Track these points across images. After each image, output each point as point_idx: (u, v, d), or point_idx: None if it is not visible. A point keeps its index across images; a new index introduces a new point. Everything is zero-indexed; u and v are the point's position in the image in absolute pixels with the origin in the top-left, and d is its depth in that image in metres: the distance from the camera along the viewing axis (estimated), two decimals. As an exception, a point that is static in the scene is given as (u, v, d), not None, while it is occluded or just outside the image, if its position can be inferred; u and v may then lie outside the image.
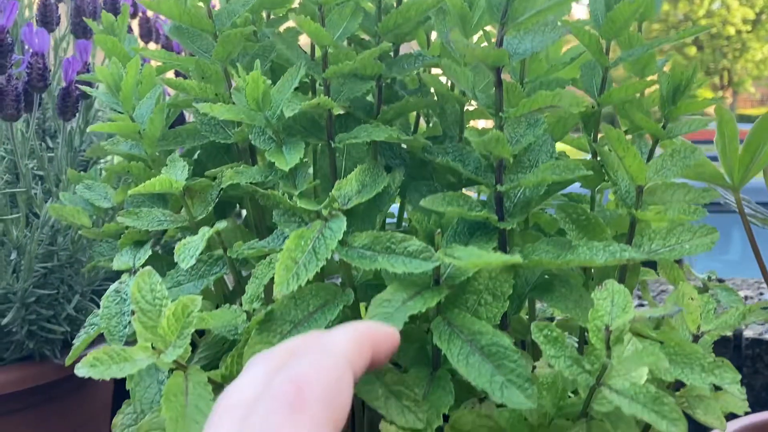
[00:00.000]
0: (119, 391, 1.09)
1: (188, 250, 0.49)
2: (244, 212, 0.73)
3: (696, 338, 0.51)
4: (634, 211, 0.49)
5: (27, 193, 0.78)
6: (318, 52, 0.57)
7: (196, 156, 0.68)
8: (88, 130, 0.60)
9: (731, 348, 0.93)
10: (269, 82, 0.49)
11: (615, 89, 0.53)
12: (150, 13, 0.96)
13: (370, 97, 0.61)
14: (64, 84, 0.77)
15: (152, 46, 0.97)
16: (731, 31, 14.24)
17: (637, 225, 0.52)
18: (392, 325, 0.37)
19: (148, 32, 0.95)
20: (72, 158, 0.86)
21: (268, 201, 0.49)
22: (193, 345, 0.64)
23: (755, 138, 0.57)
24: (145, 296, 0.46)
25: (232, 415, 0.30)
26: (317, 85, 0.62)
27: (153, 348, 0.44)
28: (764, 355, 0.91)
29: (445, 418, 0.45)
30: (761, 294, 1.12)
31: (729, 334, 0.93)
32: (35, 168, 0.85)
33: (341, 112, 0.60)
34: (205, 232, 0.50)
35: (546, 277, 0.51)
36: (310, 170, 0.60)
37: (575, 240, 0.48)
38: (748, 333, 0.93)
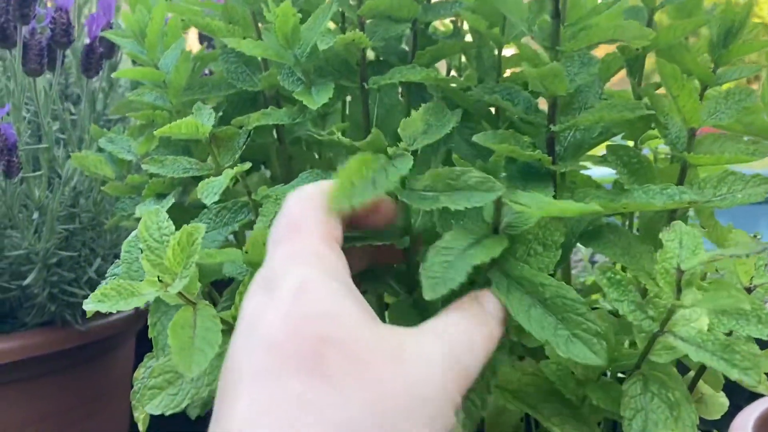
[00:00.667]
0: (141, 358, 1.08)
1: (212, 188, 0.47)
2: (269, 173, 0.71)
3: (748, 292, 0.49)
4: (686, 154, 0.46)
5: (49, 151, 0.77)
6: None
7: (221, 111, 0.67)
8: (113, 75, 0.59)
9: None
10: (300, 16, 0.47)
11: (663, 30, 0.50)
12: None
13: (403, 46, 0.58)
14: (87, 40, 0.75)
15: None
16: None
17: (687, 174, 0.49)
18: (455, 276, 0.35)
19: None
20: (95, 120, 0.85)
21: (310, 140, 0.47)
22: (214, 303, 0.63)
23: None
24: (153, 234, 0.45)
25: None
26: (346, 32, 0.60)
27: (160, 281, 0.43)
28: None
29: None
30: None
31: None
32: (58, 131, 0.84)
33: (373, 59, 0.58)
34: (229, 172, 0.49)
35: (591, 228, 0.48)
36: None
37: (627, 185, 0.45)
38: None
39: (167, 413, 0.49)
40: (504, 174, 0.43)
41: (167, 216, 0.44)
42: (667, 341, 0.36)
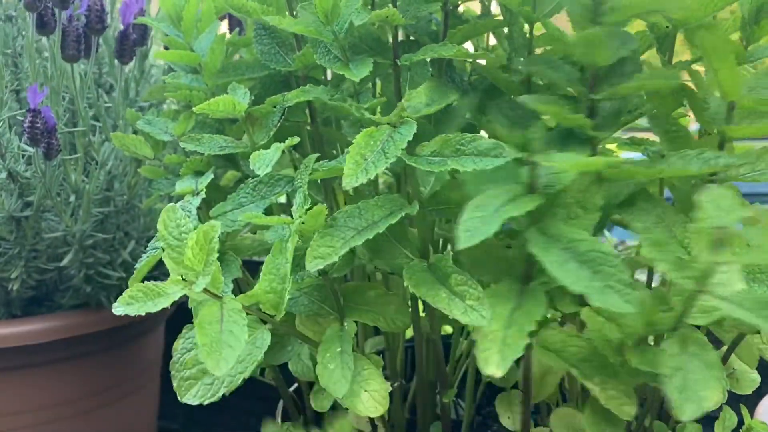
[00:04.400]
0: (169, 346, 1.10)
1: (264, 159, 0.48)
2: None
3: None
4: (726, 127, 0.47)
5: (85, 135, 0.79)
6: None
7: (254, 93, 0.68)
8: (153, 56, 0.60)
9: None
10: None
11: (694, 6, 0.51)
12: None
13: (434, 28, 0.59)
14: (122, 27, 0.77)
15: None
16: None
17: (728, 149, 0.50)
18: (489, 228, 0.36)
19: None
20: (128, 107, 0.87)
21: (337, 113, 0.49)
22: (247, 283, 0.64)
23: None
24: (172, 232, 0.46)
25: None
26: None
27: (184, 280, 0.44)
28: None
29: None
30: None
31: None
32: (92, 118, 0.86)
33: (405, 38, 0.59)
34: (280, 145, 0.50)
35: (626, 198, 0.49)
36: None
37: (666, 152, 0.46)
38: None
39: (205, 403, 0.50)
40: (545, 139, 0.44)
41: (184, 214, 0.45)
42: (704, 303, 0.37)
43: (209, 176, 0.57)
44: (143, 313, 0.44)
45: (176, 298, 0.44)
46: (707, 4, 0.50)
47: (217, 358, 0.41)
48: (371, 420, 0.59)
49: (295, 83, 0.62)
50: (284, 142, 0.64)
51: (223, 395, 0.67)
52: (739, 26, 0.52)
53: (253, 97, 0.68)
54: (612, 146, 0.62)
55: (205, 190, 0.60)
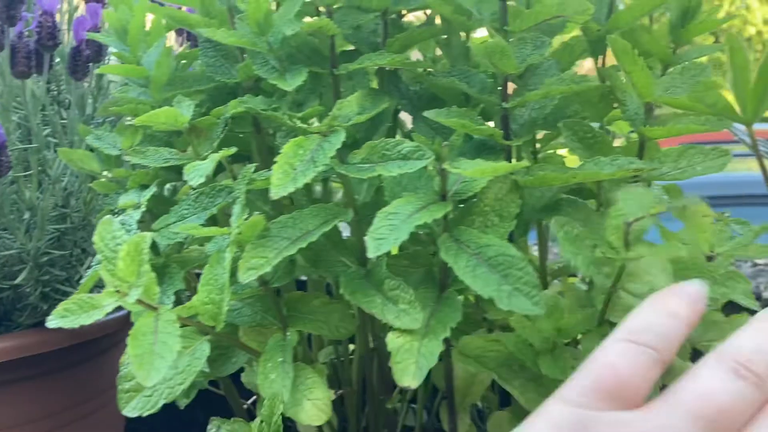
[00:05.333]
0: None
1: (198, 171, 0.49)
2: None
3: (709, 260, 0.50)
4: (643, 128, 0.48)
5: (39, 152, 0.79)
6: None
7: (206, 107, 0.68)
8: (96, 72, 0.60)
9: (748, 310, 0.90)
10: (272, 5, 0.49)
11: (622, 11, 0.52)
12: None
13: (376, 37, 0.60)
14: (75, 43, 0.77)
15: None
16: (752, 31, 14.09)
17: (648, 149, 0.51)
18: (398, 236, 0.36)
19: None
20: (84, 123, 0.87)
21: (271, 124, 0.49)
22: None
23: (766, 67, 0.56)
24: (108, 244, 0.47)
25: None
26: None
27: (117, 292, 0.44)
28: (787, 315, 0.88)
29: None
30: (784, 261, 1.09)
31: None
32: (49, 135, 0.85)
33: (348, 48, 0.59)
34: (214, 156, 0.50)
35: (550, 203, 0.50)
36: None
37: (582, 159, 0.47)
38: (767, 294, 0.90)
39: (144, 415, 0.51)
40: (459, 148, 0.45)
41: (120, 226, 0.46)
42: (619, 298, 0.38)
43: (152, 189, 0.57)
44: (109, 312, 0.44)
45: (110, 310, 0.44)
46: (626, 13, 0.51)
47: (148, 369, 0.41)
48: (320, 428, 0.59)
49: (243, 94, 0.63)
50: (236, 155, 0.65)
51: (195, 410, 0.66)
52: (668, 29, 0.53)
53: (203, 110, 0.69)
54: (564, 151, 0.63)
55: (152, 202, 0.61)
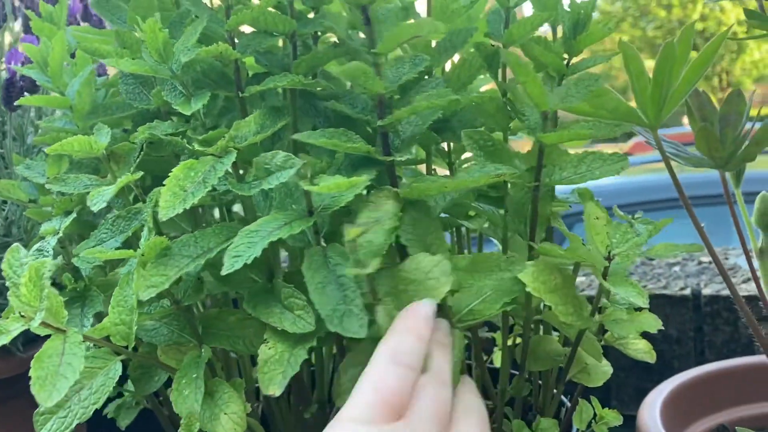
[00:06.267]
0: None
1: (100, 196, 0.50)
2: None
3: (608, 261, 0.52)
4: (539, 134, 0.50)
5: (-23, 183, 0.80)
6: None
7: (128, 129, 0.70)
8: (16, 103, 0.62)
9: (691, 307, 0.93)
10: (167, 33, 0.51)
11: (515, 26, 0.54)
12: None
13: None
14: (8, 74, 0.79)
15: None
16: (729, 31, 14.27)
17: (549, 155, 0.53)
18: (252, 253, 0.39)
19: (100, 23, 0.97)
20: (24, 154, 0.88)
21: (175, 147, 0.51)
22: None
23: (660, 72, 0.58)
24: (16, 271, 0.48)
25: None
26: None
27: (22, 316, 0.46)
28: (723, 311, 0.91)
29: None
30: (726, 259, 1.12)
31: (687, 292, 0.93)
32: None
33: (260, 71, 0.61)
34: (120, 181, 0.52)
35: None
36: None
37: (483, 165, 0.49)
38: (707, 291, 0.93)
39: None
40: (337, 165, 0.47)
41: (27, 253, 0.47)
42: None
43: (72, 215, 0.59)
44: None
45: (16, 335, 0.45)
46: (518, 28, 0.53)
47: (50, 390, 0.42)
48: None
49: (164, 119, 0.64)
50: (153, 176, 0.67)
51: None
52: (562, 41, 0.56)
53: (127, 132, 0.70)
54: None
55: (79, 227, 0.62)
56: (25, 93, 0.82)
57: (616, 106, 0.61)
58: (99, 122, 0.62)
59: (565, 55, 0.56)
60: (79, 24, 0.91)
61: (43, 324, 0.45)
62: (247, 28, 0.57)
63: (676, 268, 1.10)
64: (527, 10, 0.62)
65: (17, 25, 0.95)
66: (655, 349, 0.61)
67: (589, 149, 0.56)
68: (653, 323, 0.53)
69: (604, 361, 0.58)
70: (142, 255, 0.47)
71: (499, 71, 0.57)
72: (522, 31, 0.54)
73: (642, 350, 0.58)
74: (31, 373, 0.43)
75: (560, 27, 0.57)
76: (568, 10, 0.56)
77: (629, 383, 0.95)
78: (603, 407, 0.60)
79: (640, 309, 0.58)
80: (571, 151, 0.57)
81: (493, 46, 0.55)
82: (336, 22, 0.57)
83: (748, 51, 14.38)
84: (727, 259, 1.11)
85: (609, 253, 0.52)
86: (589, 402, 0.58)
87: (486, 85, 0.65)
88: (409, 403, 0.38)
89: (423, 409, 0.38)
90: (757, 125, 0.62)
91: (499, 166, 0.44)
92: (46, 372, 0.43)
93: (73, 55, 0.71)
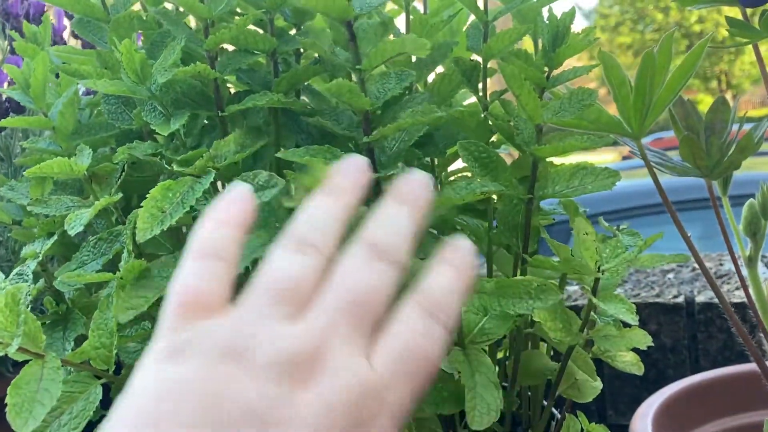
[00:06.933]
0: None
1: (78, 219, 0.50)
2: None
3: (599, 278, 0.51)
4: (533, 148, 0.50)
5: (-36, 205, 0.80)
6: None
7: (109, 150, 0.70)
8: (1, 124, 0.62)
9: (684, 315, 0.92)
10: (144, 54, 0.51)
11: (493, 39, 0.54)
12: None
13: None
14: (-6, 96, 0.79)
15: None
16: (725, 33, 14.30)
17: (542, 168, 0.53)
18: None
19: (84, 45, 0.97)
20: (11, 175, 0.88)
21: (153, 168, 0.50)
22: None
23: (641, 82, 0.58)
24: None
25: None
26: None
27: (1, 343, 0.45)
28: (716, 318, 0.90)
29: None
30: (721, 265, 1.11)
31: (681, 300, 0.93)
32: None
33: (242, 89, 0.61)
34: (97, 204, 0.51)
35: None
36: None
37: (480, 179, 0.49)
38: (700, 298, 0.92)
39: None
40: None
41: (4, 277, 0.47)
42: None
43: (54, 238, 0.58)
44: None
45: (-6, 361, 0.45)
46: (497, 41, 0.53)
47: (25, 417, 0.42)
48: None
49: (147, 139, 0.64)
50: (135, 196, 0.66)
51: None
52: (541, 54, 0.55)
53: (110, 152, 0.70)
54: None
55: (62, 249, 0.62)
56: (11, 114, 0.82)
57: (597, 116, 0.61)
58: (82, 143, 0.62)
59: (545, 68, 0.55)
60: (65, 43, 0.91)
61: (21, 349, 0.45)
62: (232, 45, 0.57)
63: (671, 276, 1.09)
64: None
65: (5, 44, 0.95)
66: (650, 358, 0.61)
67: (584, 156, 0.56)
68: (643, 339, 0.53)
69: (596, 377, 0.58)
70: (121, 278, 0.47)
71: (479, 85, 0.57)
72: (500, 45, 0.54)
73: (630, 362, 0.58)
74: (7, 400, 0.43)
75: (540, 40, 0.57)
76: (547, 22, 0.56)
77: (625, 392, 0.94)
78: (599, 416, 0.60)
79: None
80: (562, 161, 0.57)
81: (472, 60, 0.55)
82: (318, 38, 0.57)
83: (747, 52, 14.40)
84: (722, 265, 1.11)
85: (599, 268, 0.51)
86: (585, 411, 0.58)
87: (469, 99, 0.65)
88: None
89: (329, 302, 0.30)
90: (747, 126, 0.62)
91: (486, 182, 0.44)
92: (22, 399, 0.42)
93: (58, 75, 0.71)
